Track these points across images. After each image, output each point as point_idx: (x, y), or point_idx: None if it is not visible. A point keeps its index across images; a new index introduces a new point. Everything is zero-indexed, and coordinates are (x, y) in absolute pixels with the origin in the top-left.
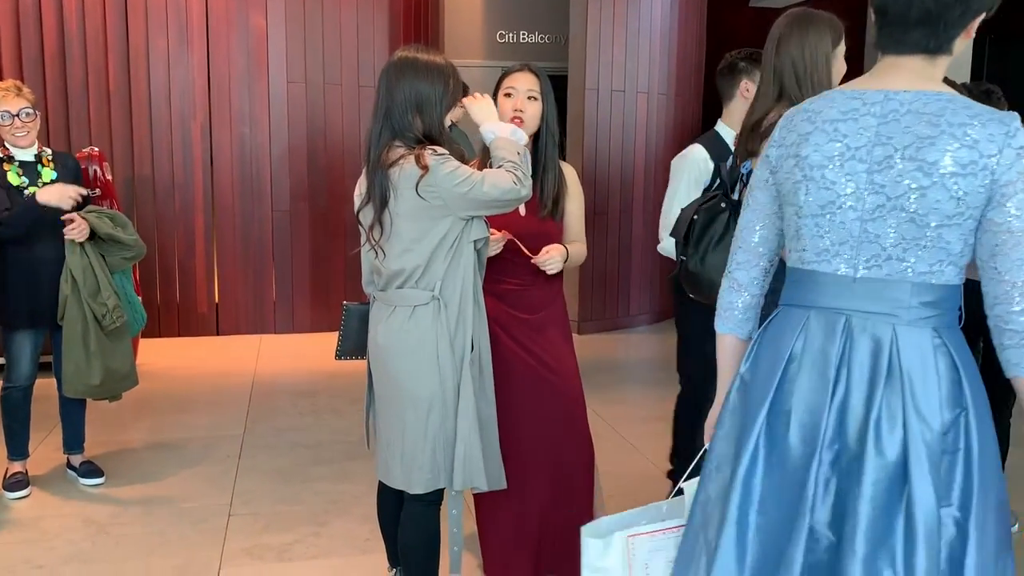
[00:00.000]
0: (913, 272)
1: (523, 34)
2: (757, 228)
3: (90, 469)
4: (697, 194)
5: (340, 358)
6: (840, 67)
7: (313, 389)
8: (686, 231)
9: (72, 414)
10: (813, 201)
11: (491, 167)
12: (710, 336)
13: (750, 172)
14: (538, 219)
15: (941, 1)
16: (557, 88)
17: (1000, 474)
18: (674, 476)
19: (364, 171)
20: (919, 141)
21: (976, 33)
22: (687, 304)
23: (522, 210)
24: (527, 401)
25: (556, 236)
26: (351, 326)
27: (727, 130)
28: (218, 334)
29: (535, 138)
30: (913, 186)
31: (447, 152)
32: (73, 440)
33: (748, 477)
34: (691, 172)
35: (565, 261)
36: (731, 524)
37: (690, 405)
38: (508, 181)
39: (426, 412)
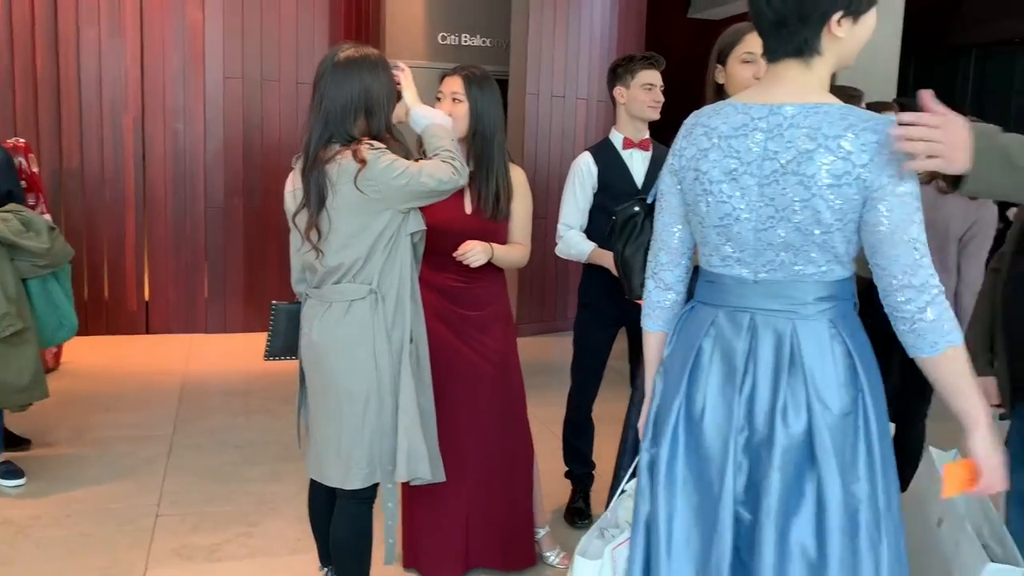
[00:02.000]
0: (805, 273)
1: (465, 37)
2: (675, 230)
3: (9, 470)
4: (584, 196)
5: (269, 358)
6: (733, 70)
7: (245, 389)
8: (609, 230)
9: None
10: (713, 213)
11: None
12: None
13: None
14: (482, 219)
15: (775, 8)
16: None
17: (892, 448)
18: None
19: (294, 172)
20: (800, 156)
21: (902, 51)
22: None
23: (468, 208)
24: (468, 396)
25: (501, 236)
26: (280, 325)
27: (617, 135)
28: (148, 332)
29: (472, 139)
30: (796, 199)
31: (384, 147)
32: None
33: (671, 461)
34: (576, 175)
35: (492, 257)
36: (660, 506)
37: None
38: (446, 171)
39: (363, 407)
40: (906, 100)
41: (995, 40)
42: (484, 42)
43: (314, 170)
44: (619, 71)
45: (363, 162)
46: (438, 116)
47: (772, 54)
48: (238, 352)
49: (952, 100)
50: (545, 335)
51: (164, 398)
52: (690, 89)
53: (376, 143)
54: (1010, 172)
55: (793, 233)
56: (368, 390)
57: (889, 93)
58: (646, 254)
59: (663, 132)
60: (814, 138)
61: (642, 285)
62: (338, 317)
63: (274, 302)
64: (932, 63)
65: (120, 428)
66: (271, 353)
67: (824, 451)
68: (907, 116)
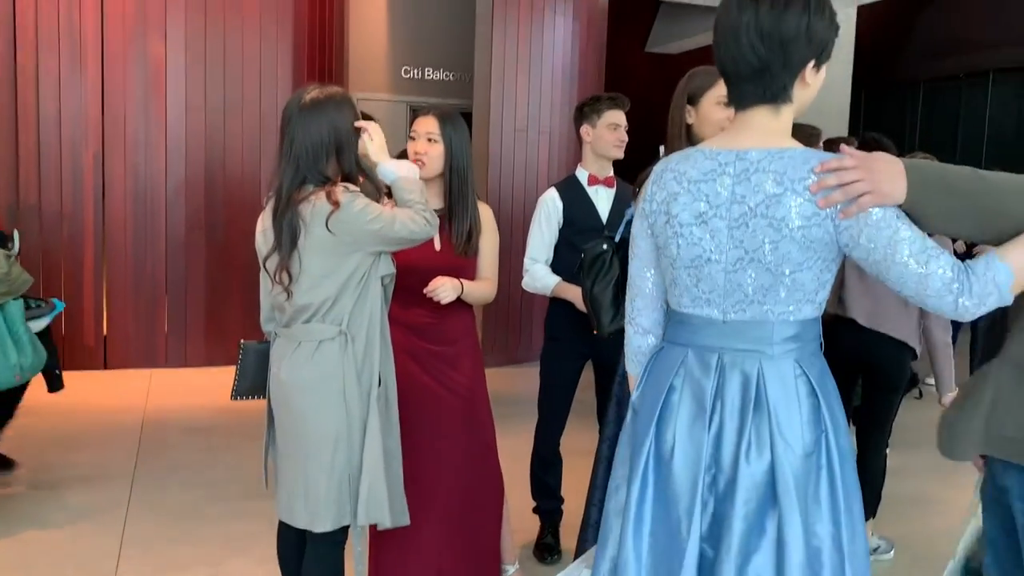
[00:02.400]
0: (773, 313)
1: (428, 70)
2: (648, 275)
3: None
4: (550, 230)
5: (236, 398)
6: (707, 112)
7: (208, 425)
8: (578, 267)
9: None
10: (684, 255)
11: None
12: None
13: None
14: (452, 256)
15: (761, 56)
16: None
17: (858, 486)
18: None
19: (265, 212)
20: (768, 199)
21: (853, 86)
22: None
23: (437, 245)
24: (436, 432)
25: (470, 272)
26: (248, 365)
27: (582, 172)
28: (106, 368)
29: (448, 177)
30: (767, 240)
31: (358, 189)
32: None
33: (640, 500)
34: (543, 211)
35: (462, 293)
36: (628, 546)
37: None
38: (419, 223)
39: (332, 448)
40: (877, 136)
41: (942, 75)
42: (447, 76)
43: (287, 212)
44: (585, 110)
45: (336, 204)
46: (404, 168)
47: (742, 101)
48: (200, 387)
49: (902, 132)
50: (510, 366)
51: (124, 435)
52: (649, 119)
53: (351, 186)
54: (949, 199)
55: (763, 274)
56: (337, 431)
57: (841, 127)
58: (614, 291)
59: (623, 164)
60: (780, 182)
61: (611, 322)
62: (307, 357)
63: (243, 341)
64: (882, 98)
65: (79, 467)
66: (238, 393)
67: (786, 491)
68: (826, 164)
